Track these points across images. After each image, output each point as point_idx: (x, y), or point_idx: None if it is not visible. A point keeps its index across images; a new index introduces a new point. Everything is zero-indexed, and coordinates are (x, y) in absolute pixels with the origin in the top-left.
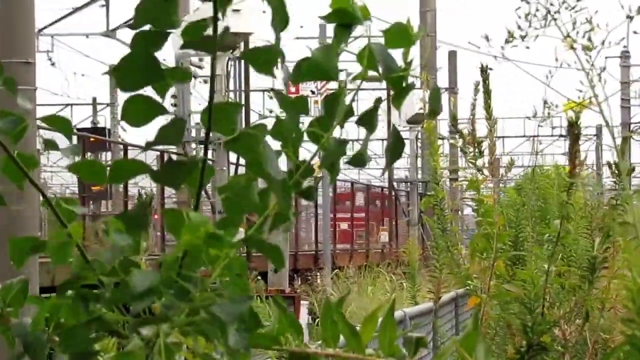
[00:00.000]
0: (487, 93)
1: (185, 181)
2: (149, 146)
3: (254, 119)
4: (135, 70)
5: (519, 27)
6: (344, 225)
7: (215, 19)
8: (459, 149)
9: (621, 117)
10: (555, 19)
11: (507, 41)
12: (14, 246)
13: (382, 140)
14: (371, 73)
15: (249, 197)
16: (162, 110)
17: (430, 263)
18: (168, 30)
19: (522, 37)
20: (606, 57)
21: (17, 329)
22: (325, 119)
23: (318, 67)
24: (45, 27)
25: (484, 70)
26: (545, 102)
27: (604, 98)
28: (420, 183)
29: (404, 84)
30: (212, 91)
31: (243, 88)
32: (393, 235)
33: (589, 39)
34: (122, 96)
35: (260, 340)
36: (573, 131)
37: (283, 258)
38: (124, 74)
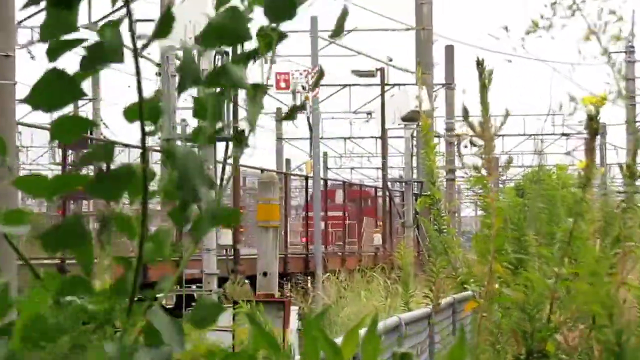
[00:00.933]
0: (484, 87)
1: (126, 191)
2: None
3: (242, 115)
4: (53, 91)
5: (542, 17)
6: (334, 227)
7: (130, 24)
8: (455, 145)
9: (626, 114)
10: (580, 9)
11: (528, 32)
12: None
13: (376, 138)
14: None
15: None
16: (90, 124)
17: (426, 267)
18: (76, 38)
19: (547, 28)
20: (609, 53)
21: None
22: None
23: (225, 30)
24: (24, 19)
25: (480, 64)
26: (571, 98)
27: (624, 93)
28: (416, 183)
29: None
30: (140, 91)
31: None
32: (387, 237)
33: (619, 30)
34: (106, 92)
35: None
36: (592, 125)
37: (238, 214)
38: (41, 98)
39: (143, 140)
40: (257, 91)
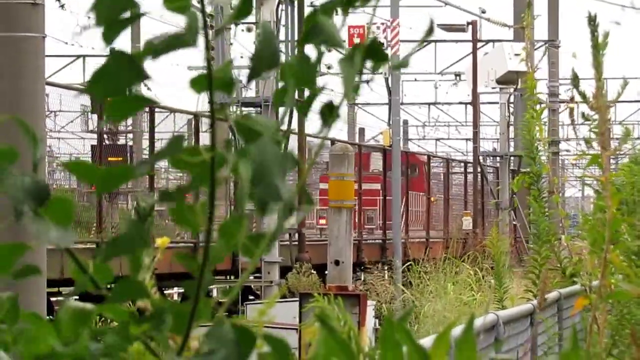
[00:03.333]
0: (596, 48)
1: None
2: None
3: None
4: (115, 78)
5: None
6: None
7: None
8: (569, 114)
9: None
10: None
11: None
12: None
13: (466, 104)
14: None
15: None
16: (148, 101)
17: (524, 256)
18: (135, 13)
19: None
20: None
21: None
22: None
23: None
24: None
25: (592, 20)
26: None
27: None
28: (513, 157)
29: None
30: (209, 59)
31: (296, 38)
32: (478, 222)
33: None
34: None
35: None
36: None
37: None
38: (102, 86)
39: (212, 118)
40: (356, 51)
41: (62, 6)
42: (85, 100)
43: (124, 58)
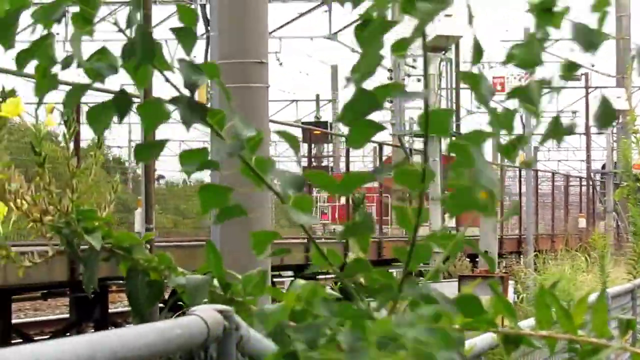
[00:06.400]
0: None
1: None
2: None
3: (462, 115)
4: (359, 108)
5: None
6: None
7: None
8: None
9: None
10: None
11: None
12: (256, 238)
13: (580, 134)
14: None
15: (473, 196)
16: (380, 128)
17: (625, 246)
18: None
19: None
20: None
21: (259, 316)
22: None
23: (520, 56)
24: (274, 30)
25: None
26: None
27: None
28: (615, 174)
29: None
30: (426, 103)
31: (454, 86)
32: (590, 222)
33: None
34: (343, 93)
35: (478, 324)
36: None
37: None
38: (351, 115)
39: (425, 146)
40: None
41: (280, 64)
42: (297, 132)
43: (364, 94)
